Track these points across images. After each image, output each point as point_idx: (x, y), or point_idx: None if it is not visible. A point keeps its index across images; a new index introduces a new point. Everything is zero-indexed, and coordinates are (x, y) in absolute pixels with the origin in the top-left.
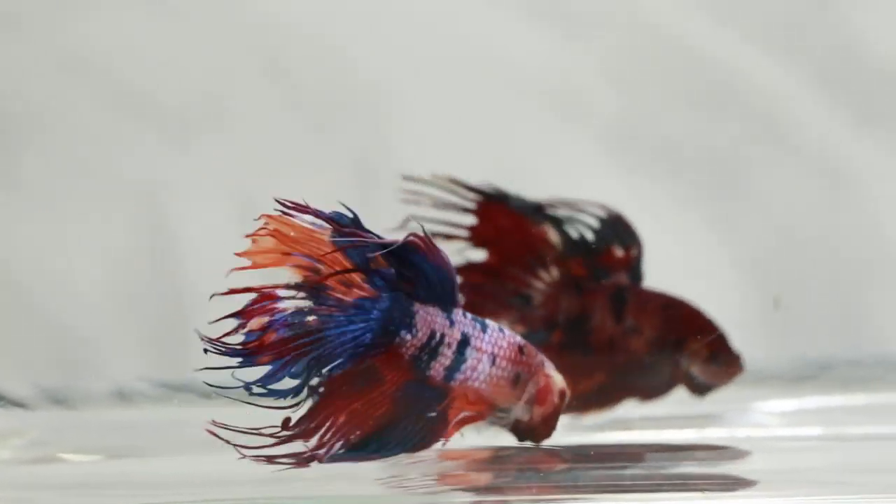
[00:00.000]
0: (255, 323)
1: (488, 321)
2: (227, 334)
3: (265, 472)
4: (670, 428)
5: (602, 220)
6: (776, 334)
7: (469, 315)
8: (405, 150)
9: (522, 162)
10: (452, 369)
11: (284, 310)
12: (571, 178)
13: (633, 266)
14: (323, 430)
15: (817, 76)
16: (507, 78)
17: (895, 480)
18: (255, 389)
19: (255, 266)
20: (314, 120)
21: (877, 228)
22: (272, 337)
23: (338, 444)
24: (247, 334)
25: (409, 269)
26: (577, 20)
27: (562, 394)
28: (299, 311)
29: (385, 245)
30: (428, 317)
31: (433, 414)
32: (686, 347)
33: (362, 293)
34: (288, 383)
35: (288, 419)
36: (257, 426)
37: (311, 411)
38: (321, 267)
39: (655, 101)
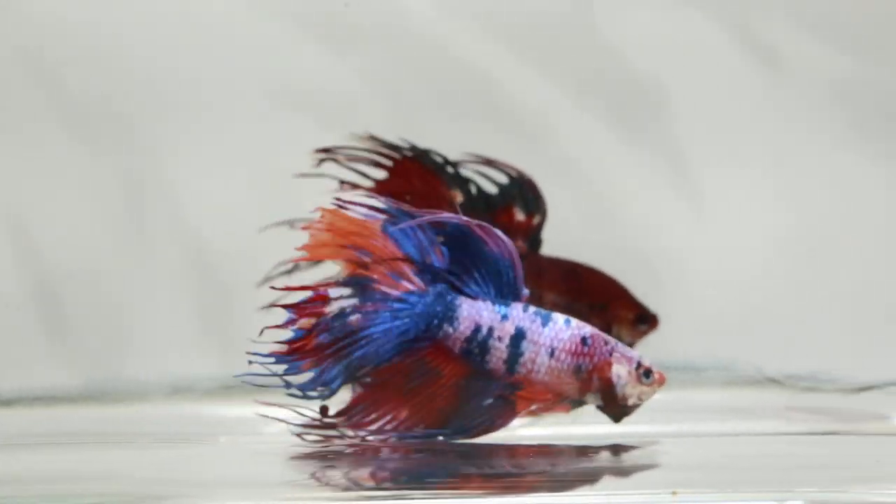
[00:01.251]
0: (305, 323)
1: (554, 314)
2: (275, 327)
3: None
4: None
5: (511, 179)
6: None
7: (532, 309)
8: (176, 164)
9: (293, 173)
10: (511, 362)
11: (328, 314)
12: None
13: (532, 233)
14: (382, 422)
15: (578, 89)
16: (279, 90)
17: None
18: (294, 392)
19: (311, 258)
20: (84, 133)
21: (629, 240)
22: (314, 342)
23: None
24: (296, 332)
25: (465, 260)
26: (344, 30)
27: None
28: (341, 313)
29: (439, 227)
30: (473, 311)
31: (497, 402)
32: (612, 315)
33: (410, 287)
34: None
35: (325, 407)
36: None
37: (359, 402)
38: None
39: (420, 111)
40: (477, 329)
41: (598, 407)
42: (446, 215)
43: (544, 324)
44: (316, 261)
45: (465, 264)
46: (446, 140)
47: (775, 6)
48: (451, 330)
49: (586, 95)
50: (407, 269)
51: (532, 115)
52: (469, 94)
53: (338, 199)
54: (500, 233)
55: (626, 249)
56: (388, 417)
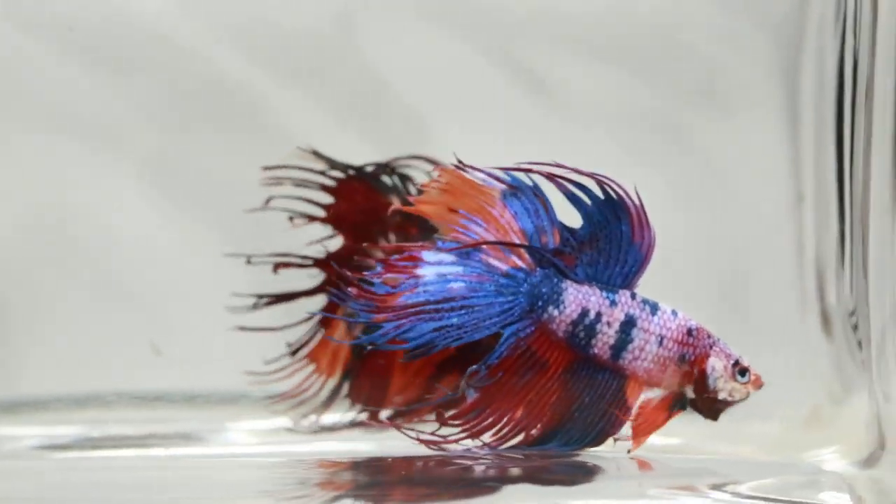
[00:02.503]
0: (391, 278)
1: (661, 304)
2: (358, 275)
3: None
4: (155, 446)
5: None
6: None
7: (640, 297)
8: None
9: (71, 197)
10: (618, 349)
11: (420, 276)
12: (114, 213)
13: None
14: (499, 426)
15: (342, 110)
16: (47, 115)
17: None
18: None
19: (417, 212)
20: None
21: None
22: (397, 300)
23: (517, 439)
24: (378, 285)
25: (597, 235)
26: (112, 58)
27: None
28: (442, 279)
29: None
30: (579, 295)
31: (609, 398)
32: None
33: (520, 262)
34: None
35: (442, 414)
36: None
37: (475, 406)
38: (483, 229)
39: (185, 129)
40: (584, 313)
41: (692, 402)
42: (617, 184)
43: (653, 312)
44: (423, 216)
45: (594, 240)
46: (213, 156)
47: (543, 34)
48: (556, 312)
49: (350, 117)
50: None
51: (296, 134)
52: (234, 112)
53: (459, 161)
54: (652, 225)
55: None
56: (506, 420)
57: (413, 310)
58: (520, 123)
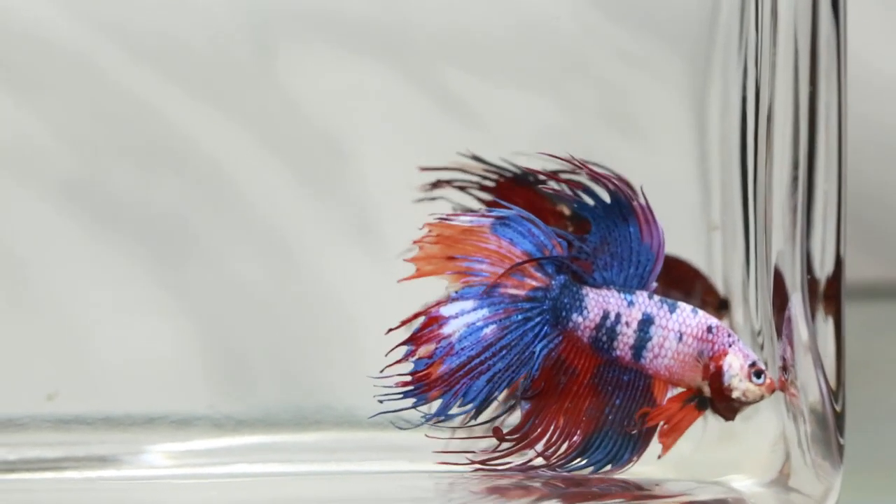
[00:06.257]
0: (424, 352)
1: (681, 303)
2: (397, 363)
3: None
4: (72, 469)
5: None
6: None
7: (657, 297)
8: None
9: None
10: (639, 347)
11: (450, 335)
12: (30, 238)
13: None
14: (549, 434)
15: (263, 139)
16: None
17: None
18: (435, 421)
19: (420, 274)
20: None
21: (317, 296)
22: (440, 368)
23: (563, 447)
24: (416, 363)
25: (607, 239)
26: (26, 81)
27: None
28: (472, 328)
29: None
30: (600, 298)
31: (639, 397)
32: (701, 301)
33: (535, 283)
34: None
35: (499, 429)
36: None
37: (529, 417)
38: (489, 265)
39: (108, 159)
40: (605, 316)
41: (709, 401)
42: (623, 181)
43: (671, 310)
44: (427, 276)
45: (604, 244)
46: (134, 188)
47: (459, 57)
48: (580, 319)
49: (267, 140)
50: (528, 266)
51: (214, 159)
52: (153, 142)
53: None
54: (659, 222)
55: (314, 305)
56: (552, 429)
57: (461, 372)
58: (437, 145)
